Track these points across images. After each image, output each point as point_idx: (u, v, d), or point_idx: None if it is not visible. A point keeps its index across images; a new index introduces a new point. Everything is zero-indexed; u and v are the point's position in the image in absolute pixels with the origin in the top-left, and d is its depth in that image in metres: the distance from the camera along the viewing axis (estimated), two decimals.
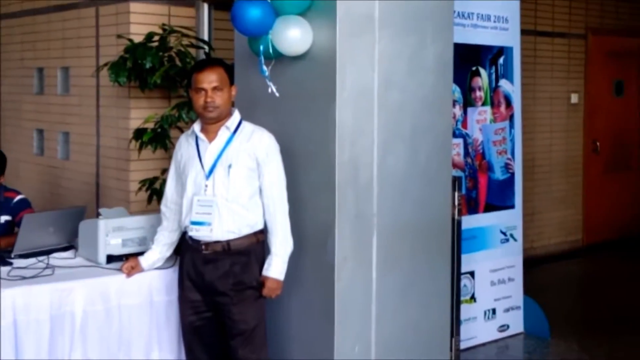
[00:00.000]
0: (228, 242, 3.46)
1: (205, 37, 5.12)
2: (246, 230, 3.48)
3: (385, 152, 3.91)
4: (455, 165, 5.16)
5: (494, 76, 5.52)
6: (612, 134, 8.82)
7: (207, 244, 3.47)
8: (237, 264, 3.47)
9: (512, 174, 5.62)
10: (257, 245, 3.53)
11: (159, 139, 4.53)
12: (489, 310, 5.45)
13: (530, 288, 5.90)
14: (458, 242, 4.66)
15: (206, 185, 3.45)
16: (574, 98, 8.33)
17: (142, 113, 4.93)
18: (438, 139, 4.23)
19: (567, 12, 8.22)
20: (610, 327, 6.01)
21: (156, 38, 4.68)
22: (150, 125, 4.69)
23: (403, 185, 4.02)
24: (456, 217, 4.61)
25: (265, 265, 3.52)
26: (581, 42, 8.38)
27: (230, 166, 3.45)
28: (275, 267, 3.50)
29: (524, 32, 7.59)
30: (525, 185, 7.30)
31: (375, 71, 3.86)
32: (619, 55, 8.90)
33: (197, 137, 3.54)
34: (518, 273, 5.64)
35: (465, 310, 5.22)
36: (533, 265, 7.59)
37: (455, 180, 4.58)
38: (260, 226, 3.54)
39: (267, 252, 3.56)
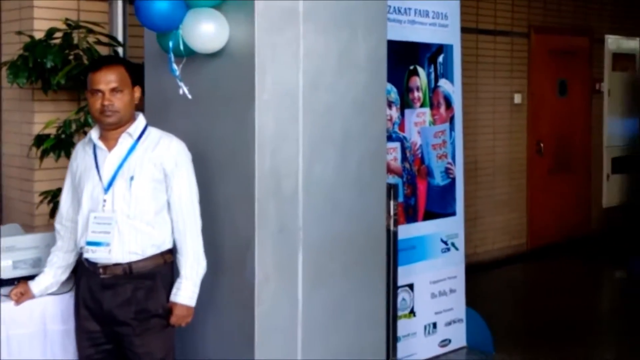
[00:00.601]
0: (130, 264, 3.05)
1: (119, 34, 4.69)
2: (151, 250, 3.08)
3: (312, 159, 3.55)
4: (391, 171, 4.83)
5: (433, 76, 5.21)
6: (556, 134, 8.60)
7: (105, 267, 3.04)
8: (140, 289, 3.06)
9: (453, 179, 5.31)
10: (164, 267, 3.13)
11: (62, 146, 4.08)
12: (429, 325, 5.13)
13: (474, 297, 5.61)
14: (394, 254, 4.33)
15: (104, 200, 3.04)
16: (518, 98, 8.09)
17: (47, 117, 4.47)
18: (371, 144, 3.88)
19: (510, 9, 7.97)
20: (555, 337, 5.76)
21: (59, 34, 4.23)
22: (52, 131, 4.24)
23: (332, 195, 3.66)
24: (392, 227, 4.28)
25: (174, 290, 3.12)
26: (524, 41, 8.15)
27: (132, 178, 3.04)
28: (185, 292, 3.11)
29: (465, 30, 7.32)
30: (468, 189, 7.02)
31: (300, 70, 3.49)
32: (563, 54, 8.69)
33: (94, 146, 3.12)
34: (460, 284, 5.33)
35: (404, 325, 4.89)
36: (477, 271, 7.32)
37: (391, 188, 4.24)
38: (168, 245, 3.15)
39: (176, 274, 3.17)
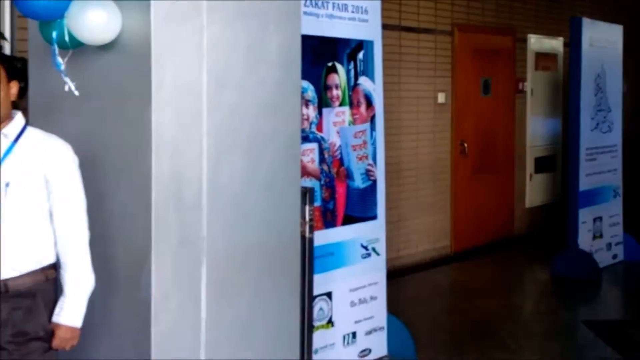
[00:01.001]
0: (5, 282, 2.69)
1: (6, 26, 4.28)
2: (31, 265, 2.74)
3: (218, 163, 3.25)
4: (308, 174, 4.57)
5: (352, 73, 4.95)
6: (480, 134, 8.48)
7: None
8: (18, 309, 2.71)
9: (374, 182, 5.07)
10: (45, 285, 2.78)
11: None
12: (348, 335, 4.88)
13: (397, 303, 5.41)
14: (310, 263, 4.05)
15: None
16: (441, 97, 7.93)
17: None
18: (284, 146, 3.60)
19: (433, 7, 7.80)
20: (478, 342, 5.60)
21: None
22: None
23: (240, 202, 3.36)
24: (307, 234, 4.00)
25: (56, 310, 2.79)
26: (448, 39, 7.99)
27: (8, 184, 2.69)
28: (69, 312, 2.78)
29: (387, 27, 7.11)
30: (391, 190, 6.82)
31: (204, 65, 3.19)
32: (486, 53, 8.58)
33: None
34: (381, 291, 5.10)
35: (322, 336, 4.63)
36: (400, 275, 7.14)
37: (306, 192, 3.97)
38: (50, 260, 2.80)
39: (60, 292, 2.83)
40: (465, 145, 8.20)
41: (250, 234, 3.41)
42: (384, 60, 6.67)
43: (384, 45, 6.86)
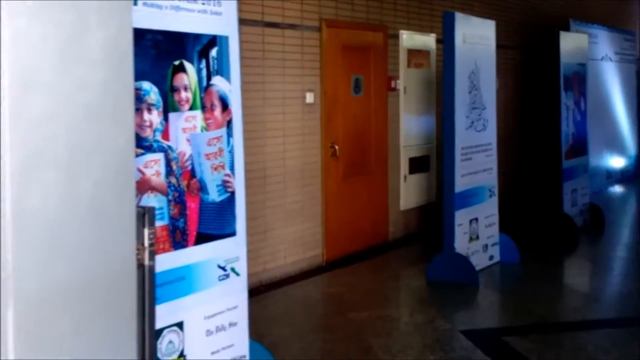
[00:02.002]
0: None
1: None
2: None
3: (25, 183, 2.64)
4: (153, 189, 4.00)
5: (205, 72, 4.41)
6: (351, 135, 8.11)
7: None
8: None
9: (232, 193, 4.54)
10: None
11: None
12: None
13: (261, 323, 4.96)
14: (150, 294, 3.49)
15: None
16: (310, 97, 7.49)
17: None
18: (113, 159, 3.01)
19: (299, 1, 7.34)
20: None
21: None
22: None
23: (57, 229, 2.76)
24: (146, 261, 3.44)
25: None
26: (315, 35, 7.56)
27: None
28: None
29: (249, 22, 6.62)
30: (255, 199, 6.35)
31: (5, 64, 2.58)
32: (357, 49, 8.21)
33: None
34: (242, 315, 4.58)
35: None
36: (267, 290, 6.68)
37: (145, 213, 3.40)
38: None
39: None
40: (336, 147, 7.80)
41: (71, 267, 2.82)
42: (246, 58, 6.20)
43: (245, 42, 6.39)
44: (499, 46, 11.28)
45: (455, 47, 7.35)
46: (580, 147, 10.28)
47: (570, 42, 10.07)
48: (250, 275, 6.71)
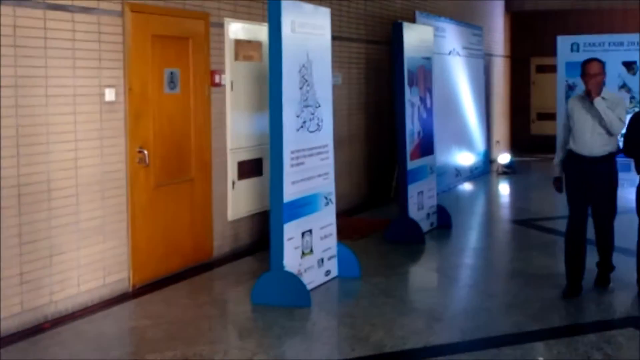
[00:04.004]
0: None
1: None
2: None
3: None
4: None
5: None
6: (165, 138, 7.03)
7: None
8: None
9: None
10: None
11: None
12: None
13: None
14: None
15: None
16: (110, 94, 6.35)
17: None
18: None
19: None
20: None
21: None
22: None
23: None
24: None
25: None
26: (117, 21, 6.42)
27: None
28: None
29: (25, 2, 5.50)
30: (36, 218, 5.28)
31: None
32: (172, 39, 7.14)
33: None
34: None
35: None
36: (54, 327, 5.56)
37: None
38: None
39: None
40: (146, 152, 6.69)
41: None
42: (18, 46, 5.11)
43: (21, 28, 5.30)
44: (342, 39, 10.53)
45: (281, 36, 6.42)
46: (426, 146, 9.60)
47: (415, 35, 9.35)
48: (30, 311, 5.56)
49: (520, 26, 19.75)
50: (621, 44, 15.99)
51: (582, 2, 18.14)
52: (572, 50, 17.77)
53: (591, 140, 6.47)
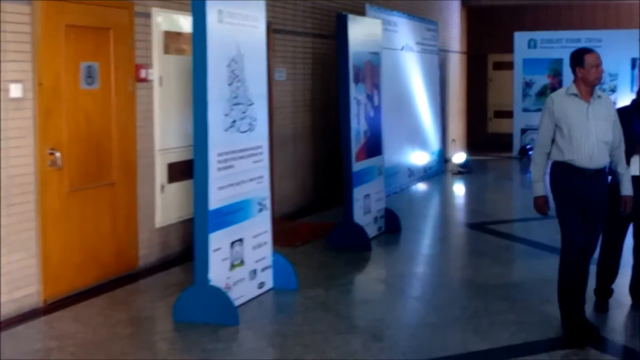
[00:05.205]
0: None
1: None
2: None
3: None
4: None
5: None
6: (82, 138, 6.42)
7: None
8: None
9: None
10: None
11: None
12: None
13: None
14: None
15: None
16: (16, 90, 5.74)
17: None
18: None
19: None
20: None
21: None
22: None
23: None
24: None
25: None
26: (24, 9, 5.82)
27: None
28: None
29: None
30: None
31: None
32: (90, 30, 6.54)
33: None
34: None
35: None
36: None
37: None
38: None
39: None
40: (58, 154, 6.08)
41: None
42: None
43: None
44: (287, 32, 9.99)
45: (206, 27, 5.85)
46: (374, 147, 9.08)
47: (362, 29, 8.83)
48: None
49: (478, 22, 19.38)
50: (579, 40, 15.70)
51: None
52: (529, 46, 17.44)
53: (597, 151, 5.42)
